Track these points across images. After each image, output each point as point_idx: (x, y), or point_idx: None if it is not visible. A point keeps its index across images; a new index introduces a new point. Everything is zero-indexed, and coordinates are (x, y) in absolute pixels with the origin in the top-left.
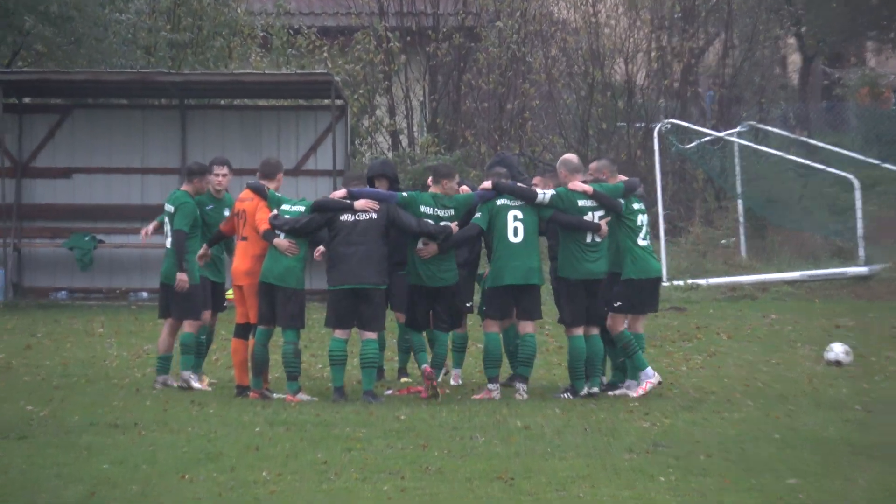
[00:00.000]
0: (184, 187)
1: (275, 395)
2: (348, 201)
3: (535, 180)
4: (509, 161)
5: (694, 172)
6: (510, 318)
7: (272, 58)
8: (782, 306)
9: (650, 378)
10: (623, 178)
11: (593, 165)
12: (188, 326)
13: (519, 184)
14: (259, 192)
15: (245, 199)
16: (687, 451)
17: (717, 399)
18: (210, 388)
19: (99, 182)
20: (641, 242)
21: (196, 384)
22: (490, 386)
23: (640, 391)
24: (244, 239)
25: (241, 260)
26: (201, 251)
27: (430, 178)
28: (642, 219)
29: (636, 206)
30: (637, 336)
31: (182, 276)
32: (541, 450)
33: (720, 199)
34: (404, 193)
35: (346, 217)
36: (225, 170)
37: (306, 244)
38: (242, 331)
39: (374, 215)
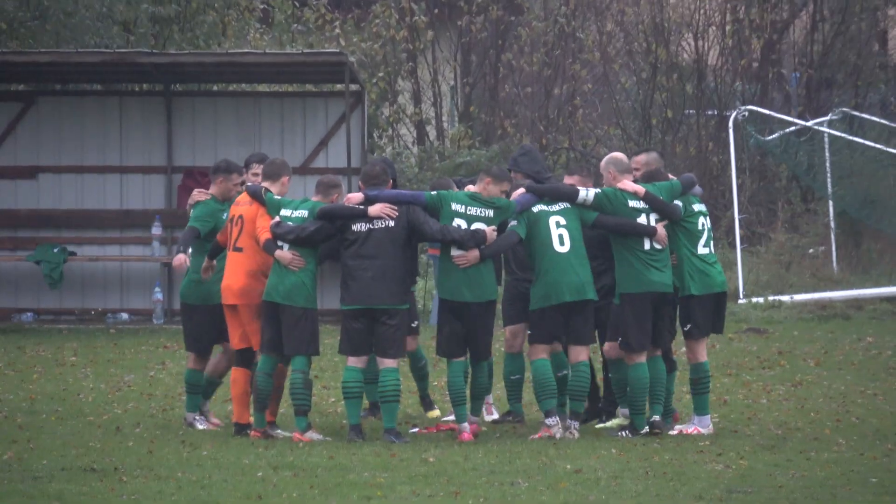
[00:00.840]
0: (211, 189)
1: (280, 434)
2: (361, 207)
3: (570, 180)
4: (534, 155)
5: (776, 169)
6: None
7: (274, 35)
8: (881, 327)
9: (705, 428)
10: (672, 176)
11: (640, 158)
12: (191, 362)
13: (554, 184)
14: (256, 196)
15: (242, 203)
16: (767, 499)
17: (804, 437)
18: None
19: (69, 183)
20: (702, 251)
21: (201, 426)
22: (548, 421)
23: (686, 430)
24: (238, 250)
25: (235, 275)
26: (205, 264)
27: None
28: (704, 222)
29: (696, 206)
30: (698, 367)
31: (180, 257)
32: (594, 498)
33: (807, 200)
34: (433, 192)
35: (358, 226)
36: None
37: (315, 255)
38: (242, 358)
39: (392, 223)
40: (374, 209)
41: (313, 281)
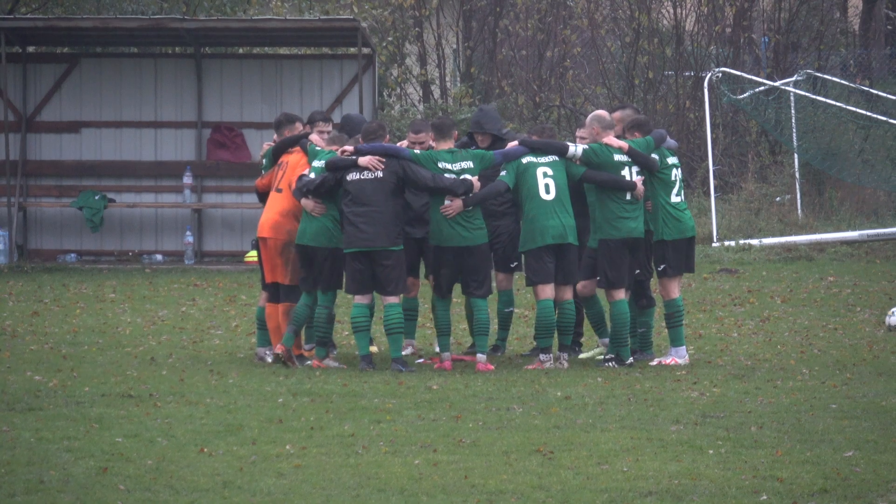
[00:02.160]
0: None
1: (334, 364)
2: (353, 158)
3: (582, 132)
4: (493, 114)
5: (747, 125)
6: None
7: (294, 2)
8: (841, 267)
9: (681, 358)
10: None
11: (616, 115)
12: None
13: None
14: (303, 146)
15: (292, 152)
16: (738, 423)
17: (771, 367)
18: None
19: (109, 137)
20: (675, 199)
21: (270, 359)
22: (542, 356)
23: (670, 361)
24: (279, 191)
25: (270, 211)
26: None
27: (433, 136)
28: (676, 173)
29: (670, 159)
30: (671, 302)
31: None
32: (582, 421)
33: (775, 153)
34: (416, 150)
35: (351, 176)
36: (329, 127)
37: (334, 202)
38: (272, 293)
39: (380, 174)
40: (363, 160)
41: (335, 224)
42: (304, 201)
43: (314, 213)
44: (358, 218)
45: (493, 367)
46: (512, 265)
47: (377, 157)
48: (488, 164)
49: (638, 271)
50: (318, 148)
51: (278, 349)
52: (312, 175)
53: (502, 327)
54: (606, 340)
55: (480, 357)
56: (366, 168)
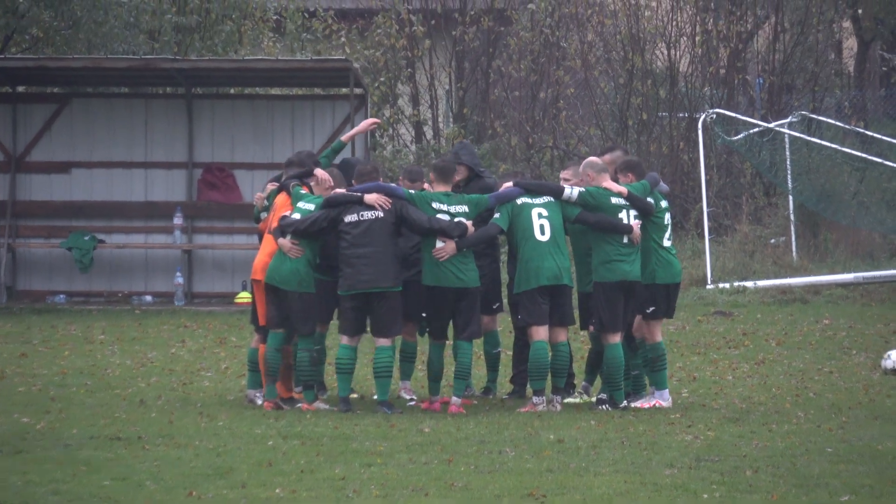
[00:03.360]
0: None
1: (325, 407)
2: (358, 195)
3: (566, 173)
4: (471, 149)
5: (741, 166)
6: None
7: (286, 43)
8: (836, 310)
9: (665, 401)
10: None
11: (606, 157)
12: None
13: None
14: (285, 188)
15: (283, 194)
16: (733, 467)
17: (766, 410)
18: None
19: (99, 177)
20: (666, 243)
21: (259, 401)
22: (535, 399)
23: (646, 405)
24: (271, 233)
25: (262, 254)
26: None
27: (432, 177)
28: (668, 218)
29: (663, 203)
30: (656, 346)
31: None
32: (575, 465)
33: (769, 194)
34: (411, 191)
35: (351, 217)
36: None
37: (312, 246)
38: (266, 334)
39: (381, 213)
40: (370, 198)
41: (308, 268)
42: (281, 241)
43: (290, 254)
44: (359, 260)
45: (464, 410)
46: (494, 306)
47: (385, 197)
48: (483, 208)
49: None
50: (302, 191)
51: (266, 406)
52: (297, 216)
53: (492, 368)
54: (586, 385)
55: (455, 399)
56: (369, 208)
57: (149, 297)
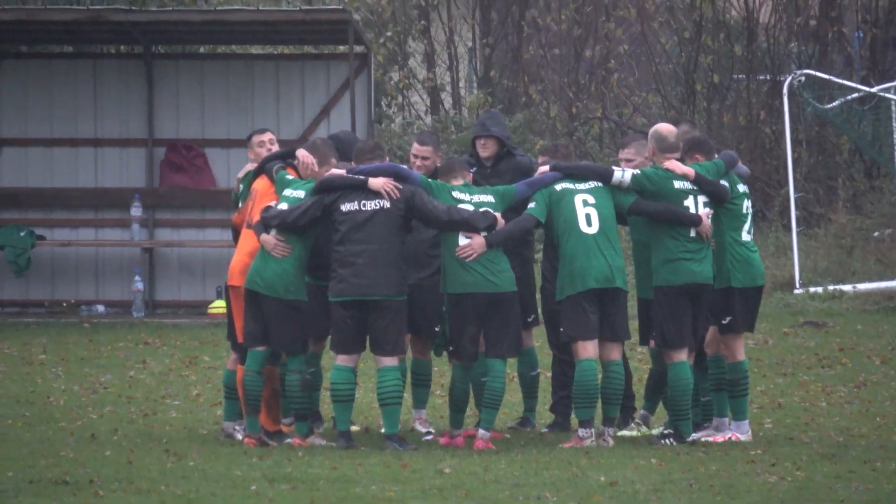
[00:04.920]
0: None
1: (273, 443)
2: (360, 178)
3: (625, 153)
4: (500, 119)
5: (836, 141)
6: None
7: None
8: None
9: (744, 434)
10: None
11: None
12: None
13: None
14: (267, 172)
15: (261, 178)
16: None
17: (868, 445)
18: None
19: (36, 158)
20: (745, 237)
21: (240, 436)
22: (581, 432)
23: (720, 438)
24: (250, 227)
25: (239, 254)
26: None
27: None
28: (748, 206)
29: (741, 188)
30: (737, 366)
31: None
32: None
33: (872, 176)
34: (427, 179)
35: (349, 205)
36: (266, 137)
37: (302, 242)
38: (245, 353)
39: (388, 204)
40: (375, 182)
41: (299, 270)
42: (264, 237)
43: (275, 252)
44: (355, 258)
45: (494, 446)
46: (528, 319)
47: (392, 182)
48: (511, 199)
49: None
50: (289, 176)
51: (246, 442)
52: (283, 206)
53: (529, 394)
54: (645, 414)
55: (483, 433)
56: (373, 195)
57: (101, 308)
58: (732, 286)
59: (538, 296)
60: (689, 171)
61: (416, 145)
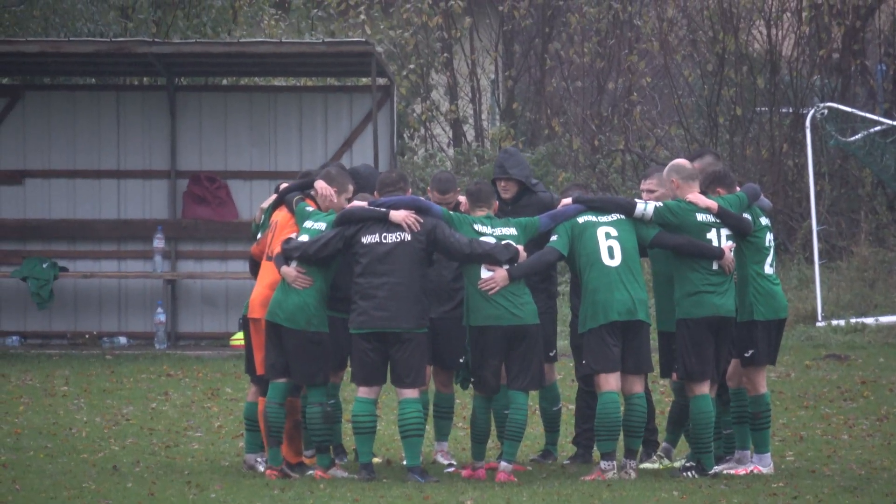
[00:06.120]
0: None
1: (295, 475)
2: (382, 210)
3: (647, 184)
4: (520, 158)
5: (859, 174)
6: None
7: (291, 21)
8: None
9: (766, 467)
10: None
11: (696, 165)
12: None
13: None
14: (287, 203)
15: (281, 209)
16: None
17: (890, 478)
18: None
19: (60, 190)
20: (768, 270)
21: (262, 468)
22: (603, 464)
23: (742, 471)
24: (270, 259)
25: (260, 285)
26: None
27: (465, 204)
28: (770, 238)
29: (763, 220)
30: (759, 399)
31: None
32: None
33: (894, 209)
34: (449, 212)
35: (370, 237)
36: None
37: (323, 274)
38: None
39: (408, 236)
40: (397, 215)
41: (319, 302)
42: (284, 269)
43: (296, 284)
44: (376, 291)
45: (516, 478)
46: (550, 353)
47: (414, 215)
48: (533, 232)
49: None
50: (309, 208)
51: (268, 474)
52: (304, 238)
53: (550, 429)
54: (667, 446)
55: (504, 466)
56: (395, 228)
57: (123, 339)
58: (755, 319)
59: (563, 329)
60: (711, 203)
61: (436, 194)
